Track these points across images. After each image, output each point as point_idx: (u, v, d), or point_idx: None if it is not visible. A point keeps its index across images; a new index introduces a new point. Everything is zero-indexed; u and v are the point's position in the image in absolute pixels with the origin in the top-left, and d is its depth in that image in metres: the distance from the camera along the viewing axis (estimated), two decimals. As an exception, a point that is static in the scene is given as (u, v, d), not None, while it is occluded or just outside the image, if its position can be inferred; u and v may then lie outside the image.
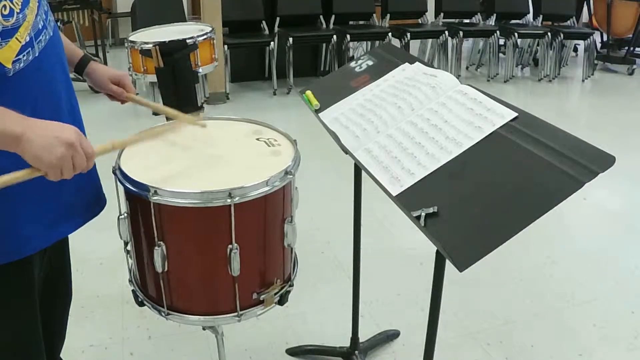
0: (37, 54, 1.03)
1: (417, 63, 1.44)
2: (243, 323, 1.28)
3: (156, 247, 1.18)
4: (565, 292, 2.39)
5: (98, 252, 2.52)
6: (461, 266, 0.91)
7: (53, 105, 1.10)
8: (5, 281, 1.10)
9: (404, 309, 2.25)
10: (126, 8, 6.12)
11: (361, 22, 5.75)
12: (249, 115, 1.55)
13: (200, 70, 2.90)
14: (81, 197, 1.22)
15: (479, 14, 5.95)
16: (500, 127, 1.11)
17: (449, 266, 1.00)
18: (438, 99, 1.26)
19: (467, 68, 6.29)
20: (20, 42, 0.99)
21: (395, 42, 5.20)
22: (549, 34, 5.64)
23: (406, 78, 1.40)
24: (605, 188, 3.35)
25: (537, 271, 2.54)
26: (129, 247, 1.31)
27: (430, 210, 1.01)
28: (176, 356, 1.99)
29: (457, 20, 6.11)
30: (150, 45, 2.65)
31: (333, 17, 5.39)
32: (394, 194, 1.10)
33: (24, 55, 1.00)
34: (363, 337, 1.95)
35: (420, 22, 5.78)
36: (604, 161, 0.93)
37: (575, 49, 6.76)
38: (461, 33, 5.48)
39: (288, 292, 1.36)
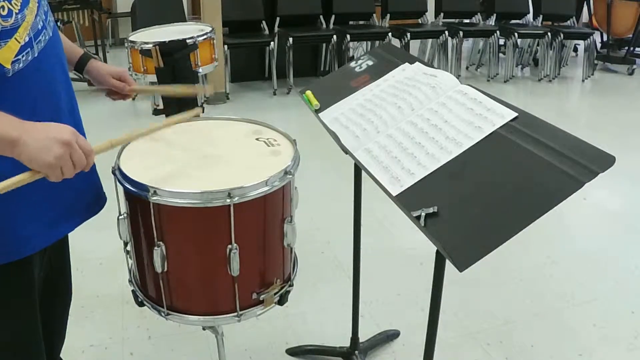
0: (36, 55, 1.03)
1: (417, 63, 1.44)
2: (243, 323, 1.28)
3: (156, 247, 1.18)
4: (565, 292, 2.39)
5: (98, 252, 2.52)
6: (461, 266, 0.91)
7: (53, 105, 1.10)
8: (5, 281, 1.10)
9: (404, 309, 2.25)
10: (126, 8, 6.12)
11: (361, 22, 5.75)
12: (249, 115, 1.54)
13: (200, 70, 2.90)
14: (81, 196, 1.22)
15: (479, 14, 5.95)
16: (500, 127, 1.10)
17: (449, 266, 1.00)
18: (438, 99, 1.26)
19: (467, 68, 6.29)
20: (19, 42, 0.99)
21: (395, 42, 5.20)
22: (549, 34, 5.64)
23: (406, 78, 1.39)
24: (605, 188, 3.35)
25: (537, 271, 2.54)
26: (128, 248, 1.31)
27: (430, 210, 1.01)
28: (176, 356, 1.99)
29: (457, 20, 6.11)
30: (150, 45, 2.65)
31: (333, 17, 5.39)
32: (394, 194, 1.10)
33: (23, 56, 1.00)
34: (363, 337, 1.95)
35: (420, 22, 5.78)
36: (604, 161, 0.93)
37: (575, 49, 6.76)
38: (461, 33, 5.48)
39: (288, 292, 1.36)
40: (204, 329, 1.41)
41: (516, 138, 1.06)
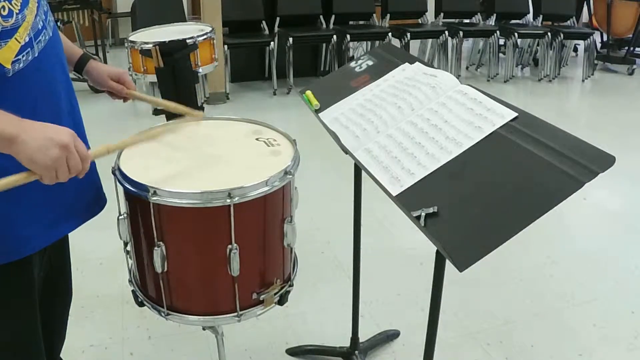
0: (36, 55, 1.03)
1: (417, 63, 1.44)
2: (243, 323, 1.28)
3: (156, 248, 1.18)
4: (565, 292, 2.39)
5: (98, 252, 2.52)
6: (461, 266, 0.91)
7: (53, 105, 1.10)
8: (5, 281, 1.10)
9: (404, 309, 2.25)
10: (126, 8, 6.12)
11: (361, 22, 5.75)
12: (249, 115, 1.54)
13: (200, 70, 2.90)
14: (81, 197, 1.22)
15: (479, 14, 5.95)
16: (500, 127, 1.10)
17: (449, 266, 1.00)
18: (438, 99, 1.26)
19: (467, 68, 6.29)
20: (19, 42, 0.99)
21: (395, 42, 5.20)
22: (549, 34, 5.64)
23: (406, 78, 1.39)
24: (605, 188, 3.35)
25: (537, 271, 2.54)
26: (128, 248, 1.31)
27: (430, 210, 1.01)
28: (176, 356, 1.99)
29: (457, 20, 6.11)
30: (150, 45, 2.65)
31: (333, 17, 5.39)
32: (394, 194, 1.10)
33: (23, 56, 1.00)
34: (363, 337, 1.95)
35: (420, 22, 5.78)
36: (604, 161, 0.93)
37: (575, 49, 6.76)
38: (461, 33, 5.48)
39: (288, 292, 1.36)
40: (204, 329, 1.41)
41: (516, 138, 1.06)
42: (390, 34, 5.24)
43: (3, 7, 0.95)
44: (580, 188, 0.92)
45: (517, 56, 6.06)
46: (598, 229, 2.97)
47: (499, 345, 2.07)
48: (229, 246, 1.18)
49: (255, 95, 5.14)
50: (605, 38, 6.40)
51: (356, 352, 1.90)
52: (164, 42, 2.64)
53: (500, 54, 6.05)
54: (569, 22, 6.07)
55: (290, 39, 4.93)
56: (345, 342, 1.92)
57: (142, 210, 1.19)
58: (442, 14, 5.80)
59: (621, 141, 4.17)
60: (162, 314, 1.28)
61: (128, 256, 1.33)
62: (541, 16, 6.02)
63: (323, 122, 1.43)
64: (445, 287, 1.15)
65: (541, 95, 5.45)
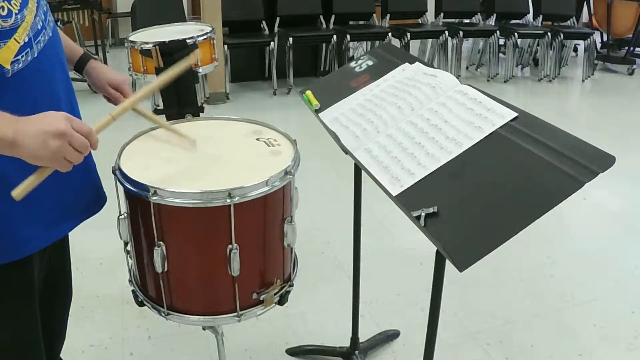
0: (36, 55, 1.03)
1: (417, 63, 1.44)
2: (243, 323, 1.28)
3: (156, 247, 1.18)
4: (565, 292, 2.39)
5: (98, 252, 2.52)
6: (461, 266, 0.91)
7: (53, 105, 1.09)
8: (5, 281, 1.10)
9: (404, 309, 2.25)
10: (126, 8, 6.12)
11: (361, 22, 5.75)
12: (249, 115, 1.54)
13: (200, 70, 2.90)
14: (81, 196, 1.22)
15: (479, 14, 5.95)
16: (500, 127, 1.10)
17: (449, 266, 1.00)
18: (438, 99, 1.26)
19: (467, 68, 6.29)
20: (18, 42, 0.99)
21: (395, 42, 5.20)
22: (549, 34, 5.64)
23: (406, 78, 1.39)
24: (605, 188, 3.35)
25: (537, 271, 2.54)
26: (128, 247, 1.31)
27: (430, 210, 1.01)
28: (176, 356, 1.99)
29: (457, 20, 6.11)
30: (150, 45, 2.65)
31: (333, 17, 5.39)
32: (394, 194, 1.10)
33: (22, 56, 1.00)
34: (363, 337, 1.95)
35: (420, 22, 5.78)
36: (604, 161, 0.93)
37: (575, 49, 6.76)
38: (461, 33, 5.48)
39: (288, 292, 1.36)
40: (204, 329, 1.41)
41: (516, 138, 1.06)
42: (390, 34, 5.24)
43: (2, 7, 0.95)
44: (580, 188, 0.92)
45: (517, 56, 6.07)
46: (598, 229, 2.97)
47: (499, 345, 2.07)
48: (229, 246, 1.18)
49: (255, 95, 5.14)
50: (605, 38, 6.40)
51: (356, 352, 1.90)
52: (164, 42, 2.63)
53: (500, 54, 6.05)
54: (569, 22, 6.07)
55: (290, 39, 4.93)
56: (345, 342, 1.92)
57: (143, 210, 1.19)
58: (442, 14, 5.81)
59: (621, 141, 4.17)
60: (162, 314, 1.28)
61: (128, 256, 1.33)
62: (541, 16, 6.02)
63: (323, 122, 1.43)
64: (445, 287, 1.15)
65: (541, 95, 5.45)
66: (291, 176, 1.23)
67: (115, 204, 1.27)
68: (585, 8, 6.67)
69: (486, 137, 1.10)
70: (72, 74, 1.29)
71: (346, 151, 1.31)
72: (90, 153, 1.16)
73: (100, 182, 1.31)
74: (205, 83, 4.74)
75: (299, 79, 5.20)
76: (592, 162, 0.94)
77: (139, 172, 1.18)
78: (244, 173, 1.21)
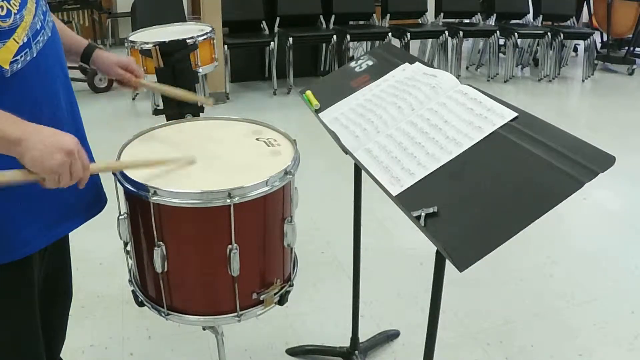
0: (35, 55, 1.03)
1: (417, 63, 1.44)
2: (243, 323, 1.28)
3: (156, 248, 1.18)
4: (565, 292, 2.39)
5: (98, 252, 2.52)
6: (461, 266, 0.91)
7: (52, 105, 1.10)
8: (5, 281, 1.10)
9: (404, 309, 2.25)
10: (126, 8, 6.11)
11: (361, 22, 5.75)
12: (249, 115, 1.54)
13: (200, 70, 2.90)
14: (81, 196, 1.21)
15: (479, 14, 5.95)
16: (500, 127, 1.10)
17: (449, 266, 1.00)
18: (438, 99, 1.26)
19: (467, 68, 6.29)
20: (17, 42, 0.99)
21: (395, 42, 5.20)
22: (549, 34, 5.64)
23: (406, 78, 1.39)
24: (605, 188, 3.35)
25: (537, 271, 2.54)
26: (128, 248, 1.31)
27: (430, 210, 1.01)
28: (176, 356, 1.99)
29: (457, 20, 6.11)
30: (150, 45, 2.65)
31: (333, 17, 5.39)
32: (394, 194, 1.10)
33: (21, 56, 1.00)
34: (363, 337, 1.95)
35: (420, 22, 5.78)
36: (604, 161, 0.93)
37: (575, 49, 6.76)
38: (461, 33, 5.48)
39: (288, 292, 1.36)
40: (204, 329, 1.41)
41: (516, 138, 1.06)
42: (390, 34, 5.24)
43: (1, 7, 0.95)
44: (580, 188, 0.92)
45: (517, 56, 6.06)
46: (598, 229, 2.97)
47: (499, 345, 2.07)
48: (229, 246, 1.18)
49: (255, 95, 5.14)
50: (605, 38, 6.40)
51: (356, 352, 1.90)
52: (164, 42, 2.64)
53: (500, 54, 6.05)
54: (569, 22, 6.07)
55: (290, 39, 4.93)
56: (345, 342, 1.92)
57: (142, 210, 1.19)
58: (442, 14, 5.80)
59: (621, 141, 4.17)
60: (162, 314, 1.28)
61: (128, 256, 1.33)
62: (541, 16, 6.02)
63: (323, 122, 1.43)
64: (445, 287, 1.15)
65: (541, 95, 5.45)
66: (291, 176, 1.23)
67: (115, 204, 1.27)
68: (585, 8, 6.67)
69: (486, 137, 1.10)
70: (72, 74, 1.29)
71: (346, 151, 1.31)
72: (90, 153, 1.16)
73: (101, 182, 1.31)
74: (205, 83, 4.74)
75: (299, 79, 5.20)
76: (592, 162, 0.94)
77: (138, 172, 1.18)
78: (244, 173, 1.21)
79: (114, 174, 1.22)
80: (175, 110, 2.40)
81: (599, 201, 3.22)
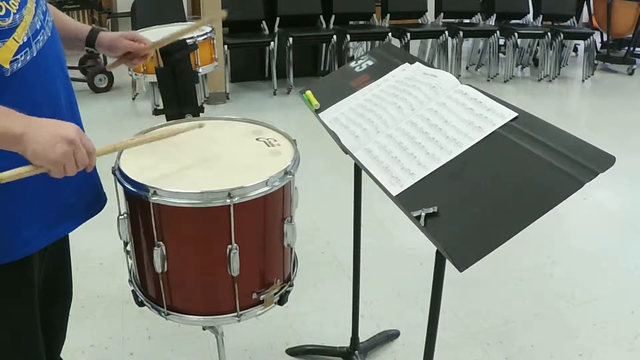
0: (35, 54, 1.03)
1: (417, 63, 1.44)
2: (243, 323, 1.28)
3: (156, 248, 1.18)
4: (565, 292, 2.39)
5: (98, 252, 2.52)
6: (461, 266, 0.91)
7: (52, 104, 1.10)
8: (5, 281, 1.10)
9: (404, 309, 2.25)
10: (126, 8, 6.10)
11: (361, 22, 5.75)
12: (249, 115, 1.54)
13: (200, 70, 2.90)
14: (81, 196, 1.22)
15: (479, 14, 5.94)
16: (501, 127, 1.10)
17: (449, 266, 1.00)
18: (438, 99, 1.26)
19: (467, 68, 6.29)
20: (17, 42, 0.99)
21: (395, 42, 5.20)
22: (549, 34, 5.64)
23: (406, 78, 1.39)
24: (605, 188, 3.35)
25: (537, 271, 2.54)
26: (128, 248, 1.31)
27: (430, 210, 1.01)
28: (176, 356, 1.99)
29: (457, 20, 6.11)
30: (150, 45, 2.65)
31: (333, 17, 5.39)
32: (394, 194, 1.10)
33: (21, 56, 1.00)
34: (363, 337, 1.95)
35: (420, 22, 5.78)
36: (604, 161, 0.93)
37: (575, 49, 6.76)
38: (461, 33, 5.48)
39: (288, 292, 1.36)
40: (204, 329, 1.41)
41: (516, 138, 1.06)
42: (390, 34, 5.24)
43: (0, 7, 0.95)
44: (580, 188, 0.92)
45: (517, 56, 6.06)
46: (598, 229, 2.97)
47: (499, 345, 2.07)
48: (229, 246, 1.18)
49: (255, 95, 5.14)
50: (605, 38, 6.40)
51: (356, 352, 1.90)
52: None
53: (500, 54, 6.05)
54: (569, 22, 6.07)
55: (290, 39, 4.93)
56: (345, 342, 1.92)
57: (142, 210, 1.19)
58: (442, 14, 5.80)
59: (621, 141, 4.17)
60: (162, 314, 1.28)
61: (128, 256, 1.33)
62: (541, 16, 6.02)
63: (323, 122, 1.43)
64: (445, 287, 1.15)
65: (541, 95, 5.45)
66: (291, 176, 1.23)
67: (115, 204, 1.27)
68: (585, 8, 6.66)
69: (486, 137, 1.10)
70: (72, 74, 1.29)
71: (346, 151, 1.31)
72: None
73: (100, 182, 1.31)
74: (205, 83, 4.74)
75: (299, 79, 5.20)
76: (592, 162, 0.94)
77: (138, 172, 1.18)
78: (243, 173, 1.21)
79: (114, 174, 1.22)
80: (175, 110, 2.40)
81: (599, 201, 3.22)
